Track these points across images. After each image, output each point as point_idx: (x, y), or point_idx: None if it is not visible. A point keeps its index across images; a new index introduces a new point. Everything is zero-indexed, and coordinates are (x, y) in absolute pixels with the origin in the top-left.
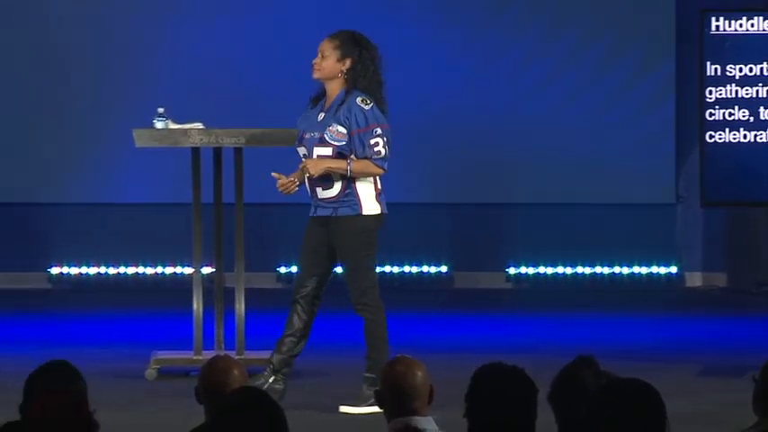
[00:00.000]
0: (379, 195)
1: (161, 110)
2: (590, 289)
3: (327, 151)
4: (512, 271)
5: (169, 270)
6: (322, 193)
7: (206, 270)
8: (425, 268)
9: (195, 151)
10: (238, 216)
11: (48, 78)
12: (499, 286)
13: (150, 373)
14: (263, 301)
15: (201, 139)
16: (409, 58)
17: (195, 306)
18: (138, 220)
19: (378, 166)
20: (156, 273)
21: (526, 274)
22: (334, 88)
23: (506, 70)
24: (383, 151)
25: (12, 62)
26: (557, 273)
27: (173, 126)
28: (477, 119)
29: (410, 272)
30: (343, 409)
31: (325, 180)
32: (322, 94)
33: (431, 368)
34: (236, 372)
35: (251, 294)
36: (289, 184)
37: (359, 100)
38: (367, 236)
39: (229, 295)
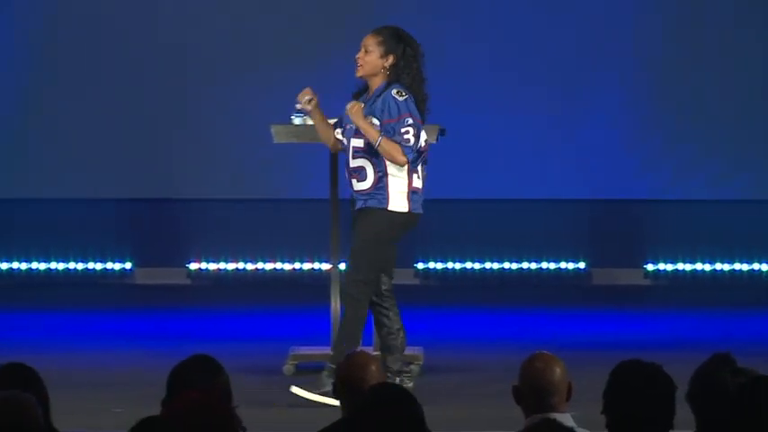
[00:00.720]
0: (413, 194)
1: (299, 106)
2: (729, 286)
3: (361, 143)
4: (650, 267)
5: (307, 266)
6: (357, 185)
7: (343, 266)
8: (563, 264)
9: None
10: None
11: (187, 75)
12: (637, 283)
13: (288, 368)
14: (400, 296)
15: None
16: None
17: (332, 302)
18: (276, 216)
19: (404, 153)
20: (294, 268)
21: (664, 270)
22: (376, 83)
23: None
24: (412, 140)
25: (152, 60)
26: (695, 269)
27: (311, 122)
28: (617, 110)
29: (548, 268)
30: (295, 389)
31: (359, 172)
32: (364, 89)
33: (569, 365)
34: (373, 367)
35: None
36: (310, 97)
37: (394, 92)
38: (386, 231)
39: None
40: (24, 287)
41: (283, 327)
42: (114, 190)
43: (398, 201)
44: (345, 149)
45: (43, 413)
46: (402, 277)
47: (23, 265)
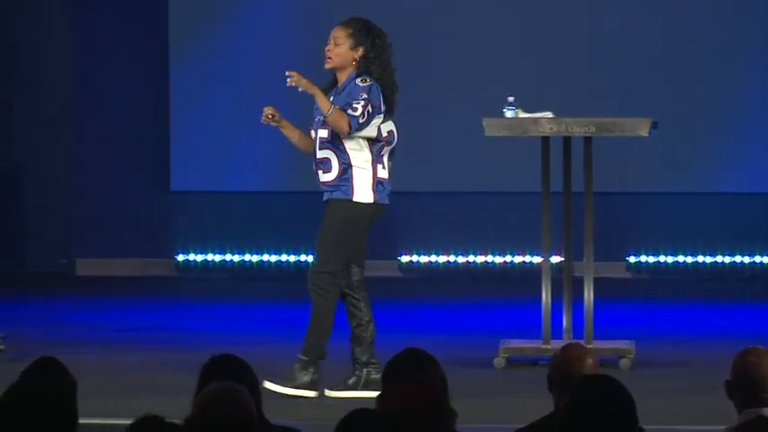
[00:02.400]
0: (378, 184)
1: (511, 99)
2: None
3: (326, 133)
4: None
5: (518, 259)
6: (323, 177)
7: (555, 259)
8: None
9: (545, 140)
10: (587, 205)
11: (403, 68)
12: None
13: (499, 361)
14: (613, 290)
15: (551, 128)
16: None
17: (544, 295)
18: (486, 209)
19: (347, 121)
20: (505, 261)
21: None
22: (345, 75)
23: None
24: (360, 110)
25: None
26: None
27: (522, 115)
28: None
29: (761, 262)
30: (267, 385)
31: (325, 163)
32: (333, 83)
33: None
34: (589, 360)
35: (600, 283)
36: (272, 114)
37: (358, 80)
38: (351, 222)
39: (578, 284)
40: (223, 280)
41: (494, 320)
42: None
43: (363, 192)
44: (314, 141)
45: (255, 404)
46: (613, 271)
47: (217, 257)
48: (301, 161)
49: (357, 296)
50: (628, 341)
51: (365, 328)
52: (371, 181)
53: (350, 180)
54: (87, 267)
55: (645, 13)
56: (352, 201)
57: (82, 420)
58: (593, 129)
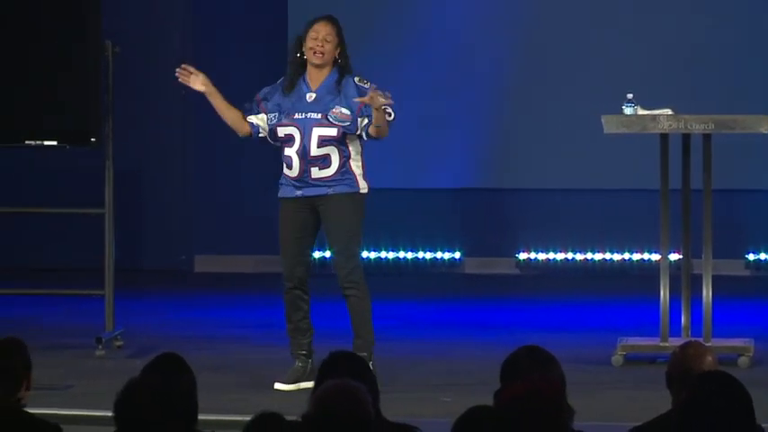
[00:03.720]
0: (367, 174)
1: (630, 96)
2: None
3: (333, 131)
4: None
5: (636, 256)
6: (317, 173)
7: (673, 257)
8: None
9: (664, 137)
10: (706, 202)
11: (521, 66)
12: None
13: (617, 359)
14: (731, 287)
15: (670, 125)
16: None
17: (662, 292)
18: (604, 207)
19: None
20: (624, 259)
21: None
22: (324, 72)
23: None
24: (393, 114)
25: (490, 51)
26: None
27: (641, 112)
28: None
29: None
30: (279, 386)
31: (323, 160)
32: (296, 77)
33: None
34: (708, 358)
35: (718, 281)
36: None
37: (356, 80)
38: (361, 215)
39: (696, 282)
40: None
41: (612, 317)
42: (445, 179)
43: (363, 182)
44: (286, 138)
45: (373, 401)
46: (732, 268)
47: None
48: (399, 158)
49: (305, 292)
50: (746, 339)
51: (308, 325)
52: (363, 171)
53: (350, 172)
54: (206, 264)
55: (762, 10)
56: (359, 192)
57: (201, 417)
58: (712, 126)
